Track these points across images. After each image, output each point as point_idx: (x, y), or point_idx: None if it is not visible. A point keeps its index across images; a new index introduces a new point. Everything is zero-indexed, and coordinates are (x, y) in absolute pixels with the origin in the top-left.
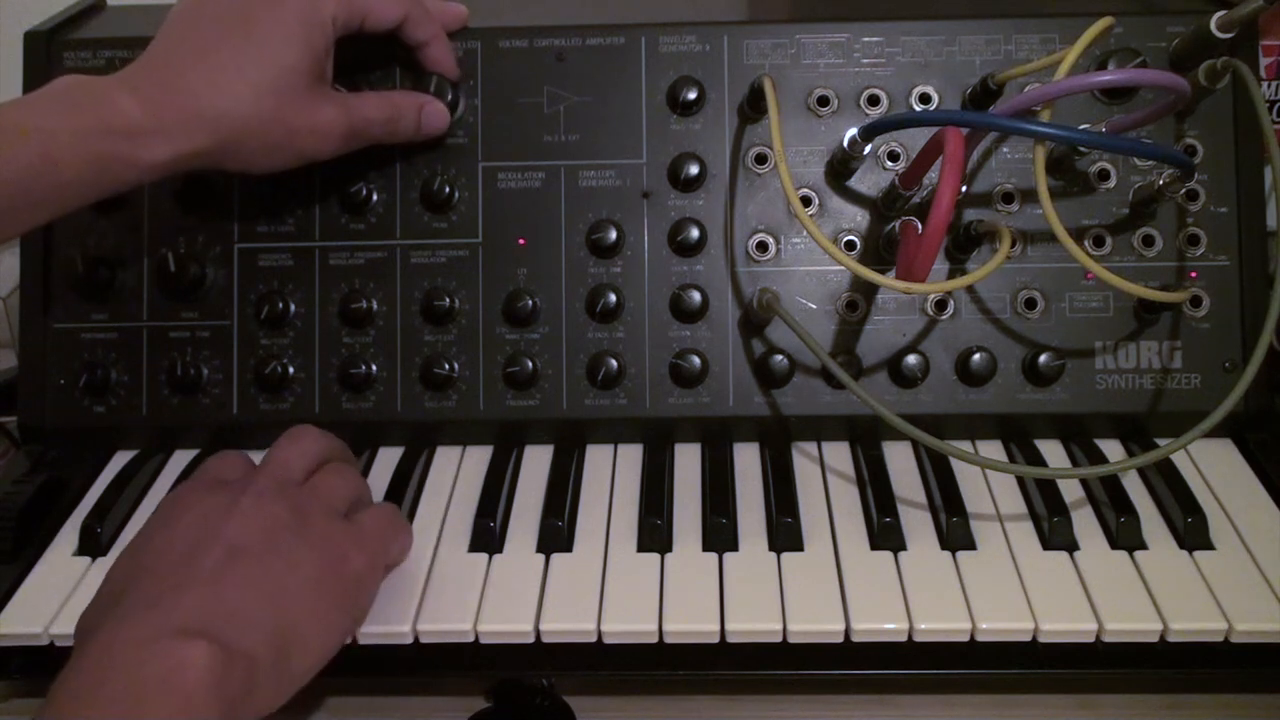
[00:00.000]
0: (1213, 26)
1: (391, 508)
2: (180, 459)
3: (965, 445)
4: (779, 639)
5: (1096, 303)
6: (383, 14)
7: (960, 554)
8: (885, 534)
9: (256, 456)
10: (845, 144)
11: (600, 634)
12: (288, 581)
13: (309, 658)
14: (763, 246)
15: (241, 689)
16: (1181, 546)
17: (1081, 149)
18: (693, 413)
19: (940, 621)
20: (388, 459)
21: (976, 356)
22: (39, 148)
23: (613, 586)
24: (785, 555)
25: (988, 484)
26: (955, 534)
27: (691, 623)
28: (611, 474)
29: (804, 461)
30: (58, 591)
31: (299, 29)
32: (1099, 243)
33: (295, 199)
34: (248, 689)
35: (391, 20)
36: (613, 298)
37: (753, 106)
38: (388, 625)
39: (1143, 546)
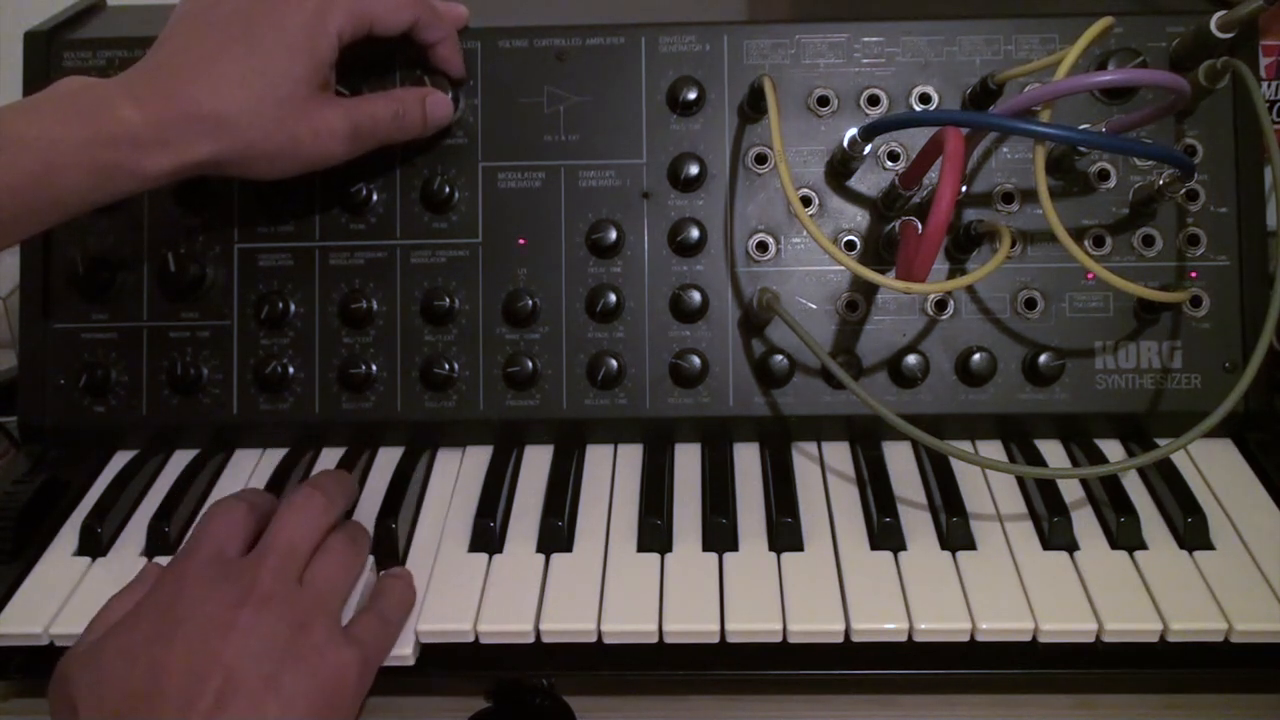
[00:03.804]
0: (1213, 26)
1: (385, 612)
2: (180, 459)
3: (965, 445)
4: (779, 639)
5: (1096, 303)
6: (391, 21)
7: (960, 554)
8: (885, 534)
9: (254, 460)
10: (845, 144)
11: (600, 634)
12: None
13: None
14: (763, 246)
15: None
16: (1181, 546)
17: (1081, 149)
18: (693, 413)
19: (940, 621)
20: (388, 459)
21: (976, 356)
22: (41, 156)
23: (613, 586)
24: (785, 555)
25: (988, 484)
26: (955, 534)
27: (691, 623)
28: (611, 474)
29: (804, 461)
30: (58, 591)
31: (304, 39)
32: (1099, 243)
33: (295, 199)
34: None
35: (400, 26)
36: (613, 298)
37: (753, 106)
38: None
39: (1143, 546)
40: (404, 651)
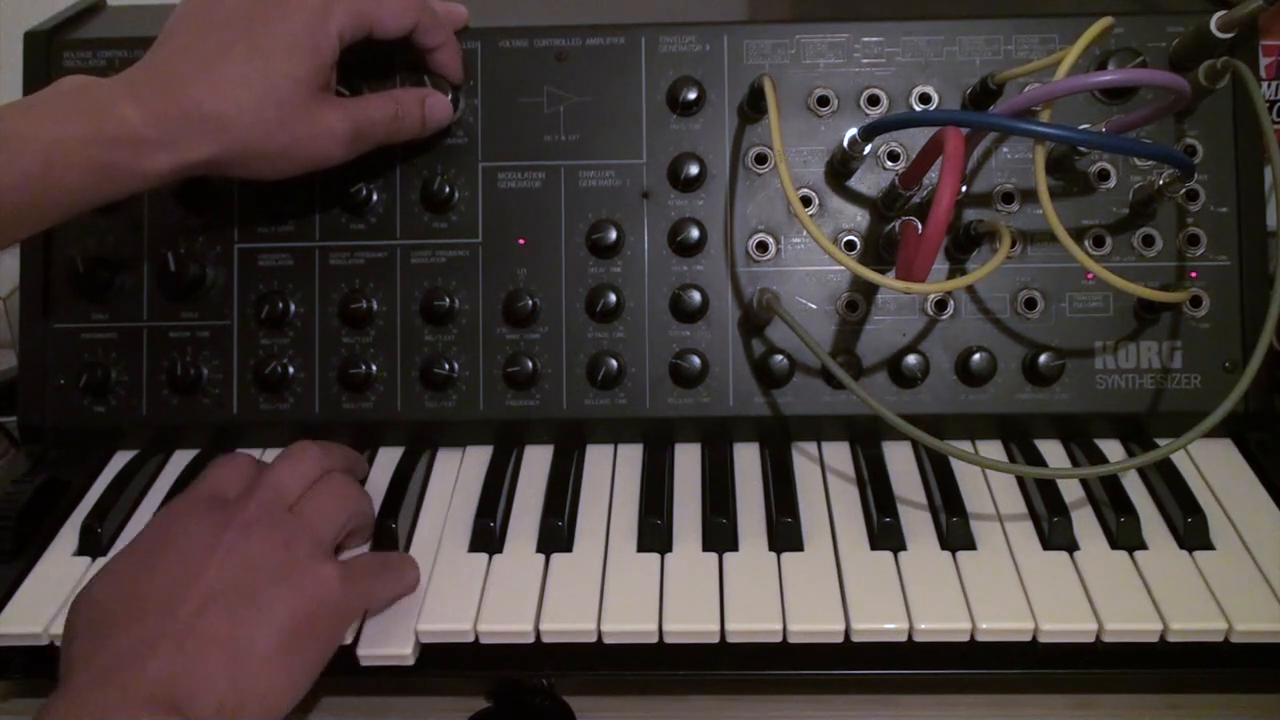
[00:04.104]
0: (1213, 26)
1: (388, 556)
2: (180, 459)
3: (965, 445)
4: (779, 639)
5: (1096, 303)
6: (392, 24)
7: (960, 554)
8: (885, 534)
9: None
10: (845, 144)
11: (600, 634)
12: (256, 634)
13: (266, 711)
14: (763, 246)
15: None
16: (1181, 546)
17: (1081, 149)
18: (693, 413)
19: (940, 621)
20: (388, 459)
21: (976, 356)
22: (41, 155)
23: (613, 586)
24: (785, 555)
25: (988, 484)
26: (955, 534)
27: (691, 623)
28: (611, 474)
29: (804, 461)
30: (58, 591)
31: (306, 40)
32: (1099, 243)
33: (295, 199)
34: None
35: (401, 30)
36: (613, 298)
37: (753, 106)
38: (388, 627)
39: (1143, 546)
40: (404, 651)
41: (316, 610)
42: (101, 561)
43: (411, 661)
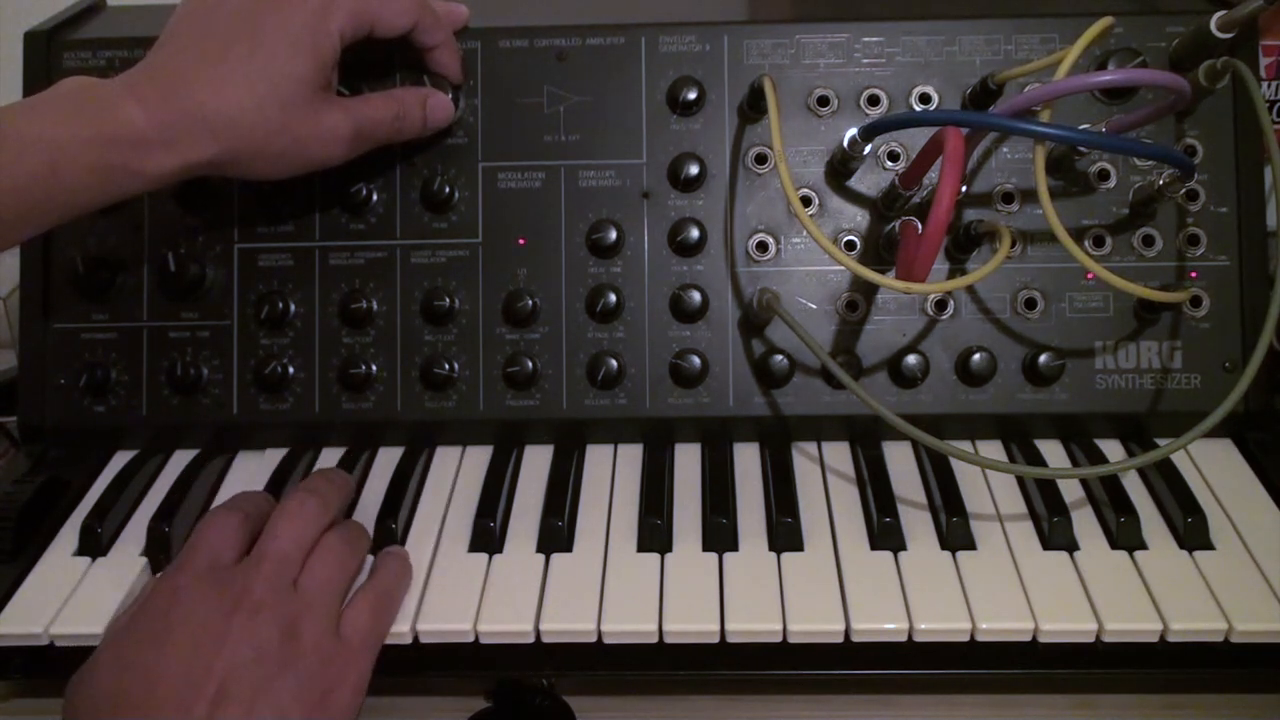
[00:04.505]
0: (1213, 26)
1: (385, 584)
2: (180, 459)
3: (965, 445)
4: (779, 639)
5: (1096, 303)
6: (392, 22)
7: (960, 554)
8: (885, 534)
9: (255, 460)
10: (845, 144)
11: (600, 634)
12: None
13: None
14: (763, 246)
15: None
16: (1181, 546)
17: (1081, 149)
18: (693, 413)
19: (940, 621)
20: (388, 459)
21: (976, 356)
22: (45, 157)
23: (613, 586)
24: (785, 555)
25: (988, 484)
26: (955, 534)
27: (691, 623)
28: (611, 474)
29: (804, 461)
30: (58, 591)
31: (307, 39)
32: (1099, 243)
33: (295, 199)
34: None
35: (400, 29)
36: (613, 298)
37: (753, 106)
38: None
39: (1143, 546)
40: (402, 629)
41: (328, 691)
42: (102, 561)
43: (409, 639)
